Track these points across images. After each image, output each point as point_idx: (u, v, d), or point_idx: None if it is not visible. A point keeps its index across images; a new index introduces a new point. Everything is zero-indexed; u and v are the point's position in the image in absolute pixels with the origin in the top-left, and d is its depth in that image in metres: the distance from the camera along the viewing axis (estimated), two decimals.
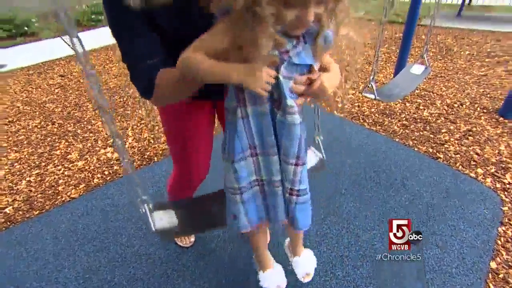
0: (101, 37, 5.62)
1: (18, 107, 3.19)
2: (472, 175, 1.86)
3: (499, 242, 1.44)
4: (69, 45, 0.78)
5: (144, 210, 0.89)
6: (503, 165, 1.91)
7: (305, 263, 1.08)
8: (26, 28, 5.90)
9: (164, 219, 0.94)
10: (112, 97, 3.25)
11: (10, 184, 2.09)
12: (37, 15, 6.45)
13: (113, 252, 1.54)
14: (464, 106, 2.60)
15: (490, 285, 1.27)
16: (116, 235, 1.63)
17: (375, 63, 1.64)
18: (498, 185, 1.77)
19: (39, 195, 1.97)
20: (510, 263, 1.35)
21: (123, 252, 1.53)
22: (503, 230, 1.50)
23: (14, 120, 2.93)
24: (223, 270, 1.39)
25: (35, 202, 1.91)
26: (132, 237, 1.60)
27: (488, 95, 2.72)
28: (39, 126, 2.80)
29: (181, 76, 0.65)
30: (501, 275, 1.30)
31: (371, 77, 1.62)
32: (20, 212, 1.84)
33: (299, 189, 0.76)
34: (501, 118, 2.36)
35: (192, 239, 1.55)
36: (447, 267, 1.33)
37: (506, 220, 1.55)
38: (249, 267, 1.31)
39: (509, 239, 1.45)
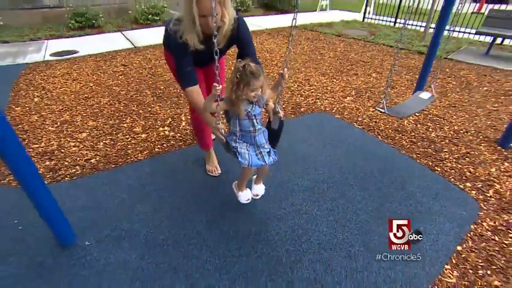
0: (156, 34, 6.36)
1: (91, 86, 3.88)
2: (461, 186, 2.24)
3: (468, 235, 1.83)
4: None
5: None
6: (490, 183, 2.28)
7: (258, 189, 1.94)
8: (94, 22, 6.76)
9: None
10: (167, 88, 3.86)
11: (91, 143, 2.69)
12: (103, 11, 7.34)
13: (170, 201, 2.06)
14: (468, 133, 2.96)
15: (453, 260, 1.67)
16: (173, 190, 2.16)
17: (387, 85, 2.10)
18: (480, 197, 2.15)
19: (114, 154, 2.55)
20: (473, 249, 1.74)
21: (180, 203, 2.05)
22: (474, 227, 1.89)
23: (89, 97, 3.59)
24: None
25: (111, 158, 2.49)
26: (186, 194, 2.13)
27: (494, 127, 3.07)
28: (108, 104, 3.44)
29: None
30: (463, 255, 1.69)
31: (383, 96, 2.08)
32: (101, 164, 2.42)
33: (269, 150, 1.68)
34: (499, 147, 2.72)
35: (219, 171, 2.32)
36: (422, 244, 1.75)
37: (479, 221, 1.93)
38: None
39: (477, 234, 1.84)
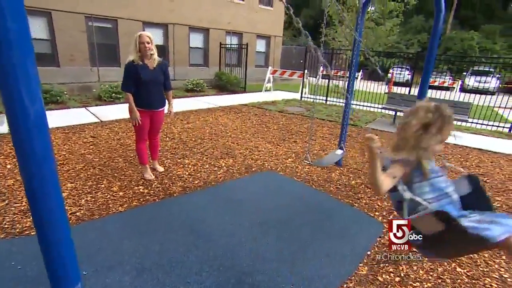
0: (120, 110, 7.04)
1: (64, 155, 4.27)
2: (371, 215, 3.09)
3: (375, 244, 2.59)
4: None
5: None
6: (391, 212, 3.17)
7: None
8: (58, 98, 7.28)
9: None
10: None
11: (73, 201, 3.07)
12: (67, 89, 7.95)
13: (152, 237, 2.52)
14: None
15: (364, 260, 2.37)
16: (153, 229, 2.63)
17: (309, 145, 3.03)
18: (384, 220, 2.99)
19: (96, 208, 2.96)
20: (378, 252, 2.48)
21: (160, 238, 2.52)
22: (379, 239, 2.66)
23: (64, 163, 3.98)
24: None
25: (95, 211, 2.89)
26: (164, 232, 2.61)
27: None
28: (84, 169, 3.86)
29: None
30: (371, 256, 2.42)
31: (307, 151, 2.99)
32: (86, 216, 2.81)
33: None
34: None
35: (152, 177, 3.65)
36: (343, 251, 2.44)
37: (382, 235, 2.72)
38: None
39: (381, 243, 2.61)
